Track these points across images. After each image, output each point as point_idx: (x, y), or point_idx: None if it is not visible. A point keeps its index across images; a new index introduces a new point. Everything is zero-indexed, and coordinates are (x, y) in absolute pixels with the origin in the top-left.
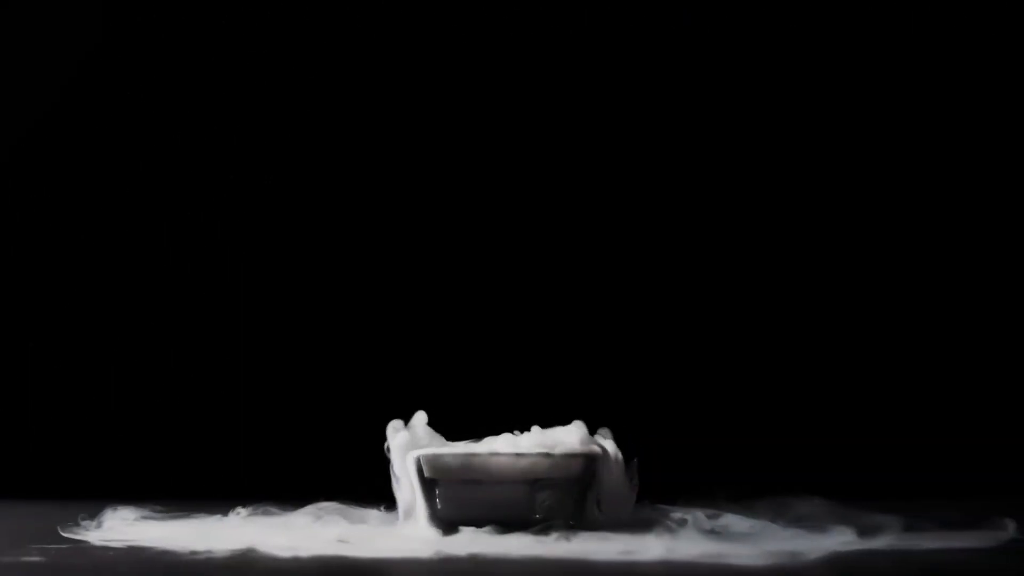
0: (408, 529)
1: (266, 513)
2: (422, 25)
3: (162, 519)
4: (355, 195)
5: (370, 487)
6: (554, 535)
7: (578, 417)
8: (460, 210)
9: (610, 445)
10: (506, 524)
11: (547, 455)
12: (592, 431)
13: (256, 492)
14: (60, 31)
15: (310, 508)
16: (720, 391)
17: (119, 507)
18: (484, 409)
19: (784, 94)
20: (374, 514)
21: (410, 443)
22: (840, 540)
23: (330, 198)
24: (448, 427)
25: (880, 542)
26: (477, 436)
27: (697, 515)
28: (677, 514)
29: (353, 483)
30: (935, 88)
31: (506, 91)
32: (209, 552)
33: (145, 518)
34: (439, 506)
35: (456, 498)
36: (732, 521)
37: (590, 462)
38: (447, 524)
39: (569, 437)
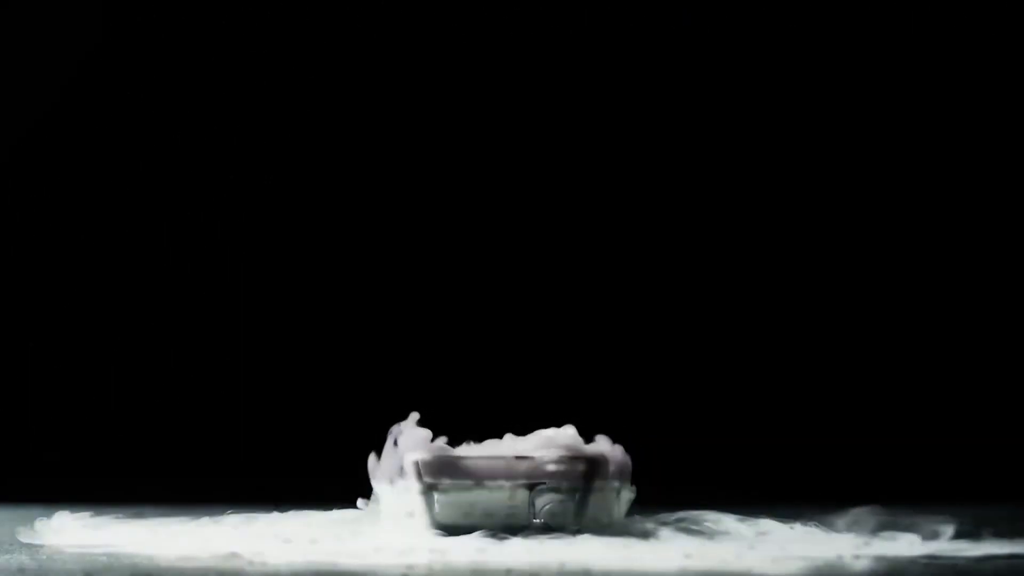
0: (395, 534)
1: (235, 519)
2: (422, 25)
3: (127, 524)
4: (353, 197)
5: (344, 491)
6: (556, 540)
7: (581, 419)
8: (457, 213)
9: (611, 448)
10: (506, 529)
11: (548, 458)
12: (592, 433)
13: (220, 497)
14: (60, 31)
15: (279, 513)
16: (760, 392)
17: (68, 511)
18: (480, 411)
19: (784, 94)
20: (348, 517)
21: (406, 446)
22: (887, 546)
23: (329, 199)
24: (443, 430)
25: (928, 548)
26: (471, 439)
27: (717, 519)
28: (704, 519)
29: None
30: (935, 88)
31: (505, 91)
32: (196, 557)
33: (106, 523)
34: (437, 510)
35: (455, 502)
36: (771, 527)
37: (593, 465)
38: (445, 529)
39: (568, 439)
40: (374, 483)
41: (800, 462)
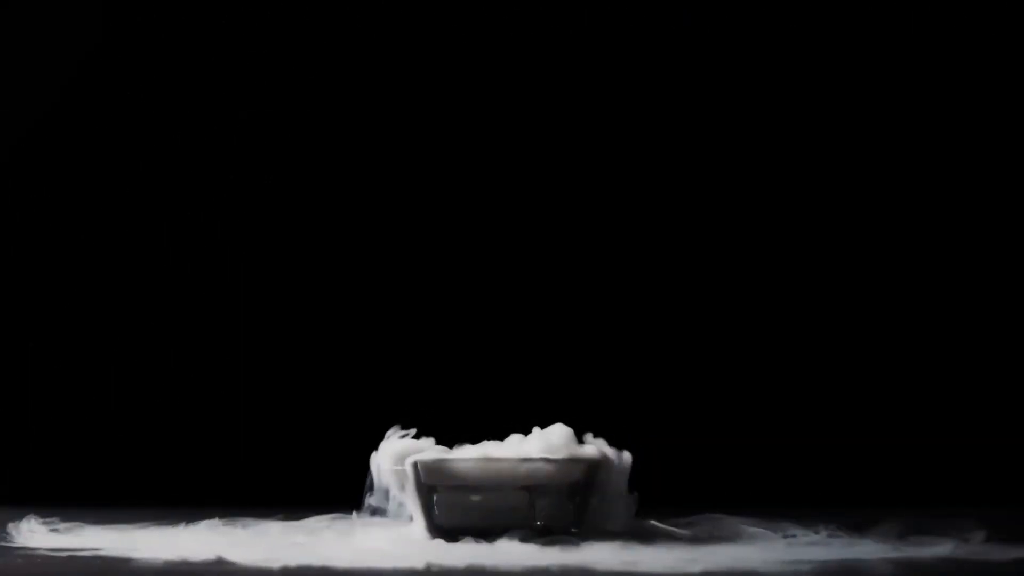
0: (383, 536)
1: (212, 524)
2: (422, 25)
3: (106, 528)
4: (352, 199)
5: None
6: (556, 543)
7: (585, 420)
8: (456, 214)
9: (611, 450)
10: (506, 532)
11: (548, 460)
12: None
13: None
14: (60, 31)
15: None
16: (776, 392)
17: (36, 516)
18: (478, 413)
19: (784, 94)
20: (340, 521)
21: (404, 449)
22: (917, 551)
23: (328, 202)
24: (441, 432)
25: (959, 552)
26: (469, 441)
27: (734, 523)
28: (720, 523)
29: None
30: (935, 88)
31: (504, 92)
32: (187, 562)
33: (84, 528)
34: (436, 513)
35: (454, 505)
36: (794, 532)
37: (592, 467)
38: (445, 532)
39: (567, 441)
40: (383, 458)
41: (815, 464)
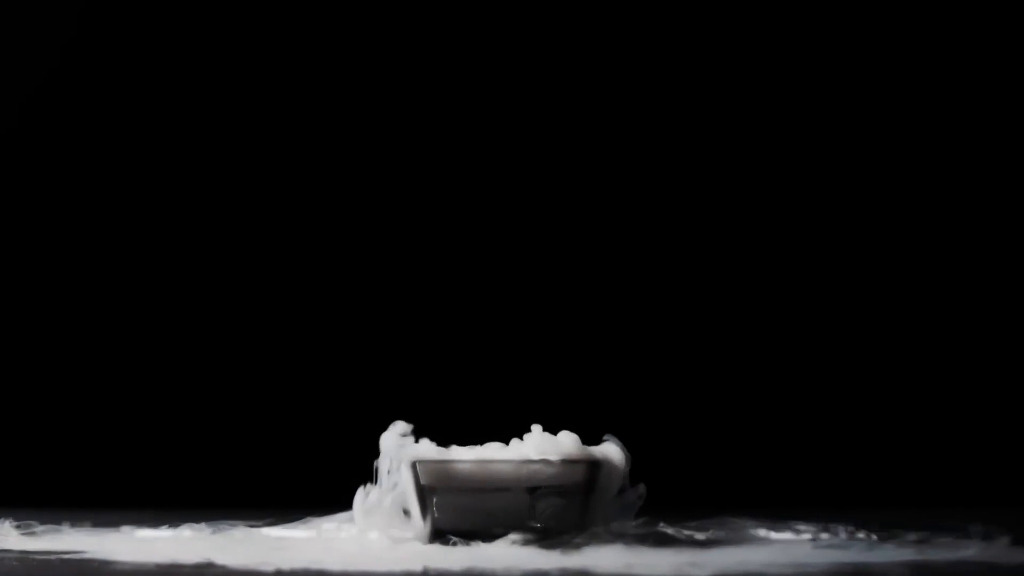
0: (380, 539)
1: (195, 528)
2: (421, 24)
3: (88, 532)
4: (351, 200)
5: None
6: (557, 546)
7: (589, 422)
8: (456, 216)
9: (614, 451)
10: (506, 534)
11: (549, 462)
12: (597, 438)
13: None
14: (60, 31)
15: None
16: (786, 392)
17: (10, 519)
18: (477, 415)
19: (783, 96)
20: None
21: (402, 451)
22: (941, 553)
23: (326, 202)
24: (441, 434)
25: (977, 555)
26: (467, 442)
27: (748, 525)
28: (738, 527)
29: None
30: (934, 90)
31: (503, 92)
32: (175, 563)
33: (57, 530)
34: (436, 515)
35: (454, 507)
36: (813, 534)
37: (594, 469)
38: (443, 534)
39: (568, 443)
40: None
41: (832, 465)
